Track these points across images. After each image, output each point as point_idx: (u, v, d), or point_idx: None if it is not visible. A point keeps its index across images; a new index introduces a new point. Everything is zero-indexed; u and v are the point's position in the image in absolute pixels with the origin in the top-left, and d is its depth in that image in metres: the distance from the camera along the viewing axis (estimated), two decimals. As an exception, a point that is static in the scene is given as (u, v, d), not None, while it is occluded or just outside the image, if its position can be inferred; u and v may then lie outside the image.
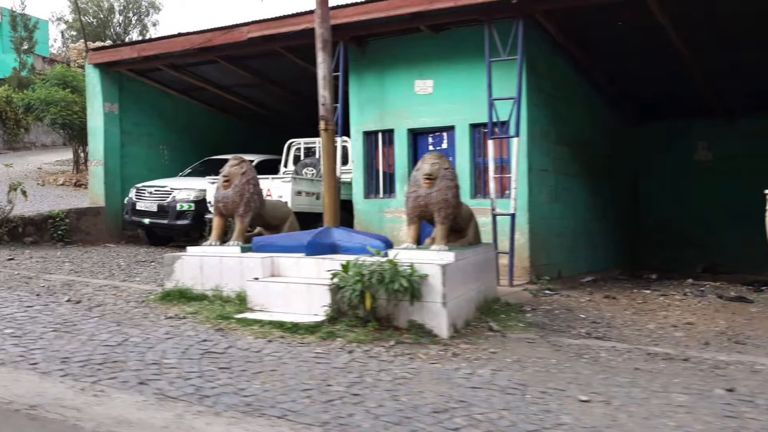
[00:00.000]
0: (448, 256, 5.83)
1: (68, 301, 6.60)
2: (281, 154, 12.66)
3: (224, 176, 7.24)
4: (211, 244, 7.21)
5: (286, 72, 12.79)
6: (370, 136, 10.58)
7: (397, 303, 5.47)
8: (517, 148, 8.72)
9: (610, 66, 11.57)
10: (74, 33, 35.61)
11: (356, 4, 9.66)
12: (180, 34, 12.08)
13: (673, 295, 8.82)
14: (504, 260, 8.51)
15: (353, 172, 10.65)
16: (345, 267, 5.56)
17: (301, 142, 12.57)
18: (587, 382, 4.38)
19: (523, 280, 8.86)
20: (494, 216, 8.69)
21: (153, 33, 36.41)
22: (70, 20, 36.23)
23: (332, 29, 8.03)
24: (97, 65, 13.13)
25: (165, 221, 11.79)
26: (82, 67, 20.23)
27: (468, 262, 6.27)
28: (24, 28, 23.98)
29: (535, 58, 9.47)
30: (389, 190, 10.41)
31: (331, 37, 7.85)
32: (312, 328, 5.39)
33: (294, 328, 5.41)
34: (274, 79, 13.69)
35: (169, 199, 11.76)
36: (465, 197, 8.01)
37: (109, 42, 27.19)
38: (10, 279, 7.82)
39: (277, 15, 10.60)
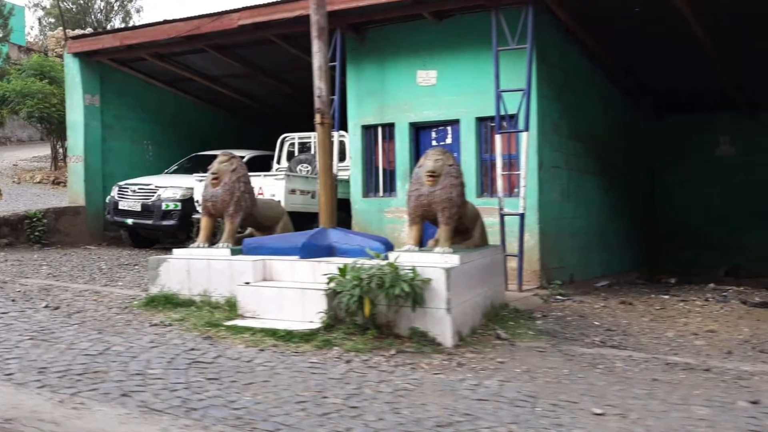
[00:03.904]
0: (453, 259, 5.83)
1: (46, 307, 6.59)
2: (274, 150, 12.67)
3: (213, 173, 7.24)
4: (198, 246, 7.22)
5: (279, 62, 12.81)
6: (369, 131, 10.58)
7: (398, 309, 5.47)
8: (527, 144, 8.72)
9: (626, 56, 11.57)
10: (52, 20, 35.61)
11: (354, -11, 9.68)
12: (165, 22, 12.11)
13: (693, 301, 8.83)
14: (512, 263, 8.51)
15: (351, 169, 10.66)
16: (342, 271, 5.56)
17: (296, 137, 12.57)
18: (602, 393, 4.38)
19: (533, 284, 8.86)
20: (502, 216, 8.69)
21: (137, 20, 36.37)
22: (48, 6, 36.25)
23: (329, 16, 8.02)
24: (76, 54, 13.14)
25: (149, 222, 11.80)
26: (60, 56, 20.24)
27: (474, 266, 6.27)
28: (-2, 14, 24.01)
29: (546, 47, 9.47)
30: (389, 188, 10.41)
31: (327, 24, 7.84)
32: (307, 336, 5.39)
33: (288, 336, 5.41)
34: (267, 70, 13.70)
35: (153, 198, 11.76)
36: (471, 196, 8.01)
37: (89, 30, 27.15)
38: (-17, 283, 7.82)
39: (270, 1, 10.60)
